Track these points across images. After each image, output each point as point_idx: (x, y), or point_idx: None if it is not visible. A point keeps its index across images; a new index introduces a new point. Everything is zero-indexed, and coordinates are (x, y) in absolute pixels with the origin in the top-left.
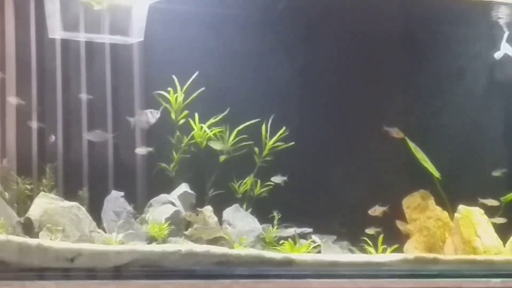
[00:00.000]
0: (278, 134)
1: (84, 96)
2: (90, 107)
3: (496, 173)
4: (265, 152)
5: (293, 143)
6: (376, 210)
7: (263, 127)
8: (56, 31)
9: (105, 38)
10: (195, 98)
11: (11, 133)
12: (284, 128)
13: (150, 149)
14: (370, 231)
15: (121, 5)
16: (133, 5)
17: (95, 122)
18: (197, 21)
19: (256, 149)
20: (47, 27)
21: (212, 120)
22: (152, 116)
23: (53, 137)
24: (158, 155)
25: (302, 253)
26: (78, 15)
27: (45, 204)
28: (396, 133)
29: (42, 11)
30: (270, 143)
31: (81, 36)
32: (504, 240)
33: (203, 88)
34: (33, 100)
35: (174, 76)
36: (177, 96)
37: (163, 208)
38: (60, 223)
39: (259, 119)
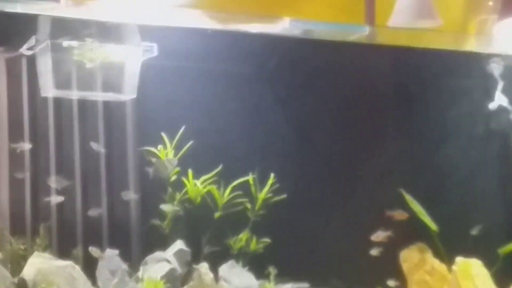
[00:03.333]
0: (268, 187)
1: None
2: (84, 165)
3: (474, 232)
4: (258, 206)
5: (284, 195)
6: (379, 236)
7: (251, 181)
8: (48, 89)
9: (98, 96)
10: (185, 153)
11: (4, 193)
12: (273, 178)
13: (142, 205)
14: None
15: (114, 62)
16: (126, 62)
17: (88, 179)
18: (190, 76)
19: (249, 205)
20: (40, 86)
21: (205, 177)
22: (170, 164)
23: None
24: (153, 212)
25: None
26: (71, 73)
27: (39, 263)
28: (399, 214)
29: (34, 69)
30: (261, 196)
31: (74, 94)
32: None
33: (191, 142)
34: (26, 159)
35: (163, 134)
36: (167, 153)
37: (158, 266)
38: (54, 283)
39: (251, 175)
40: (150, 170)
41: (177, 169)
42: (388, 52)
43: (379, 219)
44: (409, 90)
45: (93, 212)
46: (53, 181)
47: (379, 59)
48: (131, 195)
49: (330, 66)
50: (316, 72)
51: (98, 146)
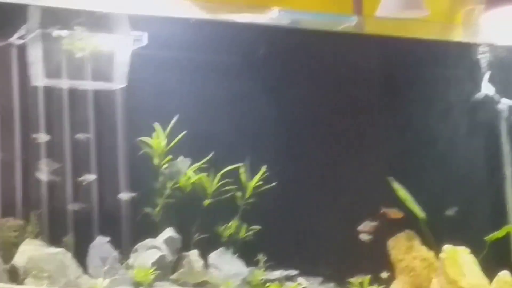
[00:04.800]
0: (258, 175)
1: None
2: (74, 153)
3: (449, 212)
4: (248, 194)
5: (274, 183)
6: (366, 225)
7: (241, 170)
8: (39, 79)
9: (88, 85)
10: (177, 142)
11: None
12: (264, 168)
13: (133, 194)
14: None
15: (104, 52)
16: (116, 51)
17: (80, 167)
18: (180, 66)
19: (239, 193)
20: (30, 75)
21: (196, 165)
22: (184, 165)
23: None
24: (143, 200)
25: None
26: (61, 62)
27: (30, 251)
28: (394, 213)
29: (25, 58)
30: (251, 184)
31: (64, 83)
32: (490, 278)
33: (185, 132)
34: (17, 148)
35: (156, 123)
36: (159, 142)
37: (148, 253)
38: (45, 270)
39: (242, 163)
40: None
41: (169, 157)
42: (376, 41)
43: (368, 207)
44: (396, 79)
45: (83, 201)
46: (44, 164)
47: (366, 48)
48: (122, 183)
49: (318, 56)
50: (304, 61)
51: (85, 136)
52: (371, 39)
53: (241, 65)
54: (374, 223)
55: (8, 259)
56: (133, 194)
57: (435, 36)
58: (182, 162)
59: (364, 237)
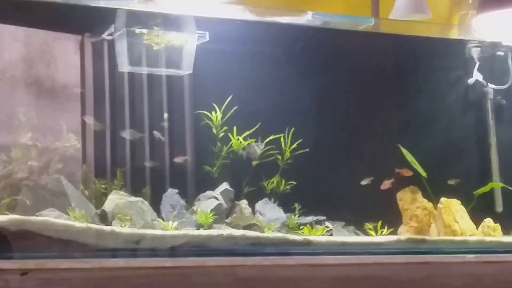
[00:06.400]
0: (295, 143)
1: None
2: (151, 125)
3: (451, 182)
4: (286, 156)
5: (307, 149)
6: (386, 184)
7: (282, 139)
8: (124, 66)
9: (162, 71)
10: (230, 116)
11: (89, 145)
12: (300, 140)
13: (186, 157)
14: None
15: (175, 45)
16: (184, 45)
17: (155, 135)
18: (234, 57)
19: (279, 156)
20: (117, 63)
21: (246, 133)
22: (258, 148)
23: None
24: (204, 161)
25: (318, 236)
26: (141, 53)
27: (116, 199)
28: (406, 172)
29: (114, 50)
30: (289, 149)
31: (144, 70)
32: (477, 224)
33: (236, 107)
34: (107, 120)
35: (214, 102)
36: (217, 115)
37: (208, 201)
38: (128, 214)
39: (283, 134)
40: (243, 152)
41: (225, 127)
42: (389, 38)
43: (382, 168)
44: (406, 68)
45: (158, 160)
46: (128, 133)
47: (382, 44)
48: (187, 149)
49: (344, 49)
50: (333, 54)
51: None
52: (386, 36)
53: (282, 56)
54: (391, 180)
55: (99, 206)
56: (186, 157)
57: (436, 34)
58: (257, 145)
59: (383, 187)
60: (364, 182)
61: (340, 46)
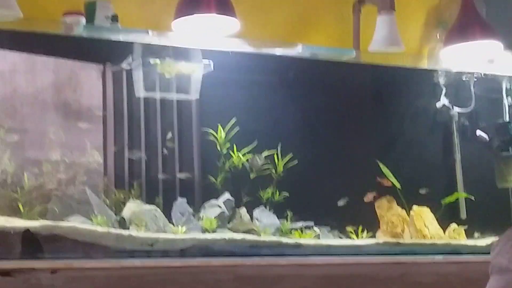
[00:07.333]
0: (286, 158)
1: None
2: (163, 143)
3: (422, 192)
4: (279, 170)
5: (296, 162)
6: (369, 196)
7: (275, 154)
8: (140, 92)
9: (173, 96)
10: (232, 135)
11: (110, 161)
12: (291, 154)
13: (188, 174)
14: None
15: (184, 73)
16: (192, 74)
17: (167, 155)
18: (235, 84)
19: (273, 169)
20: (134, 89)
21: (245, 149)
22: (260, 160)
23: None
24: (209, 173)
25: (307, 239)
26: (155, 81)
27: (133, 207)
28: (386, 181)
29: (131, 78)
30: (281, 163)
31: (157, 95)
32: (444, 229)
33: (238, 129)
34: (125, 138)
35: (218, 123)
36: (220, 135)
37: (213, 209)
38: (143, 220)
39: (275, 150)
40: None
41: (227, 144)
42: (368, 68)
43: (364, 179)
44: (382, 94)
45: (169, 173)
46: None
47: (362, 73)
48: (195, 164)
49: (329, 77)
50: (320, 81)
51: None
52: (365, 66)
53: (276, 84)
54: (373, 193)
55: (118, 213)
56: (188, 174)
57: (409, 65)
58: (259, 157)
59: (367, 199)
60: (341, 203)
61: (325, 75)
